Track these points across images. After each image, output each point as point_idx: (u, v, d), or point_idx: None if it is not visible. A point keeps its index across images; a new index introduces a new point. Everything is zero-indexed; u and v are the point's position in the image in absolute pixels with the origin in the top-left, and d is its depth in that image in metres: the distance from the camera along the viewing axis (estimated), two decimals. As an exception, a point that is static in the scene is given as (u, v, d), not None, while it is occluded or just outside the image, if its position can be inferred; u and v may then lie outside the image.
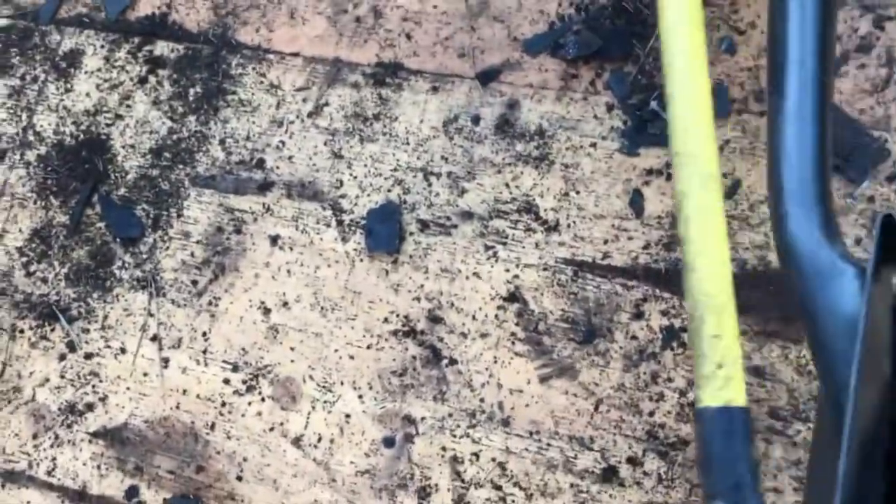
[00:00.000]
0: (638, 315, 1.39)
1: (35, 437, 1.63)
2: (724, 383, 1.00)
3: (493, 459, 1.42)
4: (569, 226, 1.46)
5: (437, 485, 1.43)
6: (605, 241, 1.43)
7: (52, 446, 1.62)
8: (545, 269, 1.44)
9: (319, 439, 1.49)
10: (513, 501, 1.40)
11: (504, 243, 1.49)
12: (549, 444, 1.40)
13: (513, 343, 1.45)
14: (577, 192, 1.46)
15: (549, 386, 1.41)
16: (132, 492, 1.56)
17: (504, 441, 1.42)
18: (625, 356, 1.39)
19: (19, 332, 1.67)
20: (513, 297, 1.46)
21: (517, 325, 1.45)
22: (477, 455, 1.42)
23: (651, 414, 1.37)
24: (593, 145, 1.47)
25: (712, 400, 1.00)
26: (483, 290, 1.46)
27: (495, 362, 1.46)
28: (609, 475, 1.36)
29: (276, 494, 1.49)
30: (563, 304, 1.43)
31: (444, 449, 1.44)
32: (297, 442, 1.50)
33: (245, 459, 1.52)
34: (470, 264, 1.48)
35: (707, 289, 1.00)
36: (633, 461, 1.36)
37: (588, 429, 1.39)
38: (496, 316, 1.47)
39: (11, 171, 1.75)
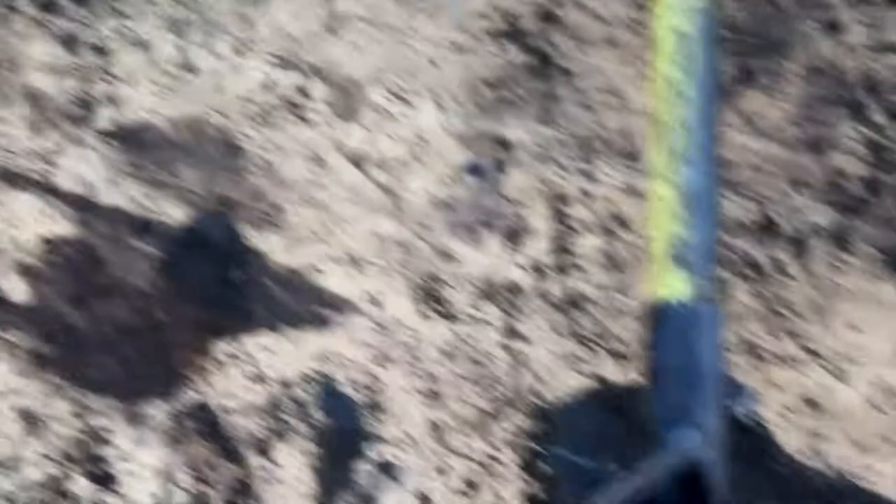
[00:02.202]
0: (833, 28, 0.94)
1: (36, 130, 1.22)
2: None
3: (610, 200, 1.01)
4: None
5: (532, 227, 1.03)
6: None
7: (55, 144, 1.21)
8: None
9: (385, 160, 1.08)
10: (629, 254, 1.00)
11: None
12: (688, 186, 0.98)
13: (655, 51, 1.00)
14: None
15: (697, 111, 0.98)
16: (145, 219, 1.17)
17: (626, 178, 1.00)
18: (807, 77, 0.95)
19: (14, 9, 1.23)
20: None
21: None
22: (588, 194, 1.01)
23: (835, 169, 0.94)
24: None
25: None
26: (619, -18, 1.00)
27: (623, 77, 1.02)
28: (767, 228, 0.96)
29: (325, 220, 1.09)
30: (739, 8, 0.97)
31: (545, 183, 1.02)
32: (356, 161, 1.09)
33: (290, 176, 1.11)
34: (605, -54, 1.01)
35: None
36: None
37: (745, 170, 0.97)
38: (633, 20, 1.02)
39: None
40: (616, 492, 0.64)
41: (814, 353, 0.93)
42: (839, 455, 0.90)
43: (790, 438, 0.91)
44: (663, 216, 0.73)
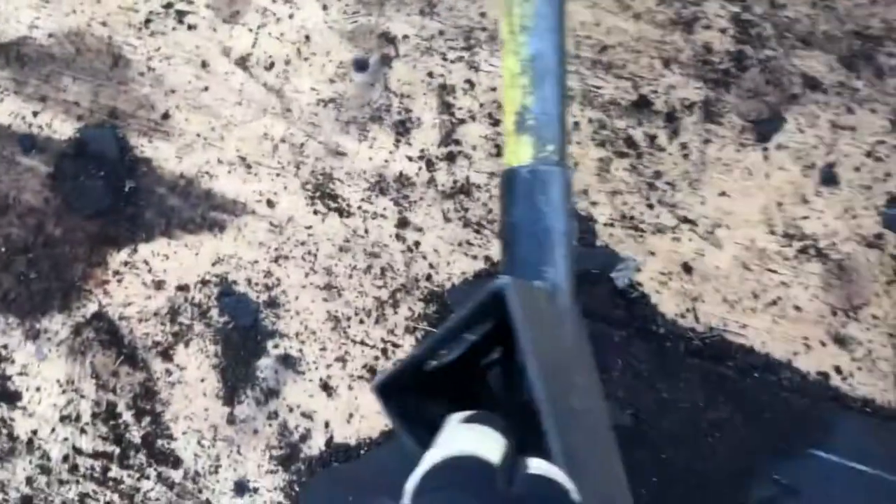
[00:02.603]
0: None
1: None
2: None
3: (494, 89, 1.02)
4: None
5: (419, 118, 1.03)
6: None
7: (-69, 65, 1.17)
8: None
9: (272, 61, 1.07)
10: (515, 138, 1.02)
11: None
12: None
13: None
14: None
15: (572, -5, 0.99)
16: (34, 123, 1.14)
17: (508, 66, 1.01)
18: (674, -42, 0.96)
19: None
20: None
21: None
22: (472, 83, 1.02)
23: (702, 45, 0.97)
24: None
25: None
26: None
27: (502, -33, 1.03)
28: (641, 106, 0.98)
29: (215, 124, 1.08)
30: None
31: (430, 75, 1.03)
32: (242, 63, 1.07)
33: (176, 83, 1.09)
34: None
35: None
36: (685, 105, 0.97)
37: (619, 51, 0.99)
38: None
39: None
40: (437, 333, 0.66)
41: (688, 221, 0.96)
42: (712, 313, 0.94)
43: (667, 302, 0.95)
44: (510, 88, 0.74)
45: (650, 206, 0.97)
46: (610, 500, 0.68)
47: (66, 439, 1.06)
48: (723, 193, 0.96)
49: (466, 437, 0.53)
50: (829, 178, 0.94)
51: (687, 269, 0.95)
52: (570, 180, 0.76)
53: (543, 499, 0.48)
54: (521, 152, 0.75)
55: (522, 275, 0.69)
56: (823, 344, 0.92)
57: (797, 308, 0.93)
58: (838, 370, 0.92)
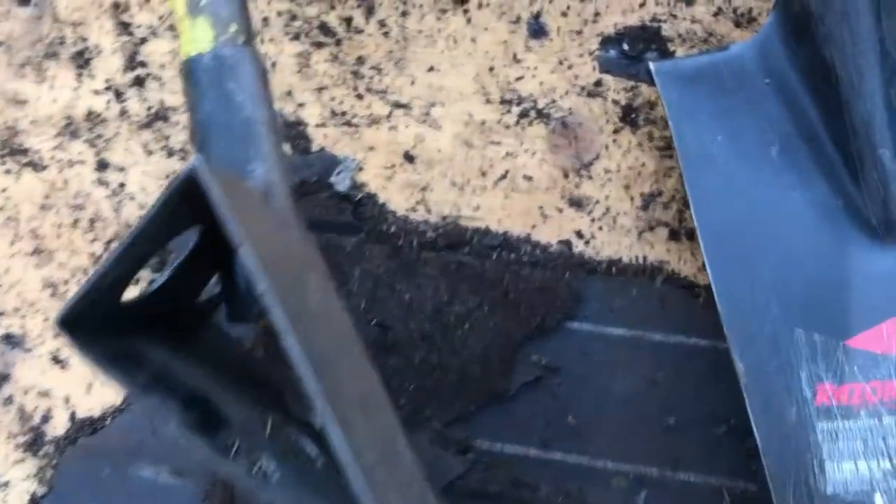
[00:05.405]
0: None
1: None
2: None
3: (171, -3, 0.88)
4: None
5: (97, 45, 0.90)
6: None
7: None
8: None
9: (-77, 10, 0.90)
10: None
11: None
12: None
13: None
14: None
15: None
16: None
17: (181, -32, 0.87)
18: None
19: None
20: None
21: None
22: (148, -5, 0.88)
23: None
24: None
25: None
26: None
27: None
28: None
29: None
30: None
31: (100, -6, 0.89)
32: None
33: None
34: None
35: None
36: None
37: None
38: None
39: None
40: (119, 246, 0.54)
41: (401, 106, 0.86)
42: (443, 201, 0.85)
43: (396, 197, 0.85)
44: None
45: (360, 97, 0.86)
46: (364, 399, 0.59)
47: None
48: (431, 69, 0.86)
49: None
50: (537, 29, 0.84)
51: (409, 158, 0.86)
52: (263, 62, 0.65)
53: None
54: (199, 37, 0.64)
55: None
56: (560, 210, 0.84)
57: (527, 178, 0.84)
58: (580, 234, 0.84)
